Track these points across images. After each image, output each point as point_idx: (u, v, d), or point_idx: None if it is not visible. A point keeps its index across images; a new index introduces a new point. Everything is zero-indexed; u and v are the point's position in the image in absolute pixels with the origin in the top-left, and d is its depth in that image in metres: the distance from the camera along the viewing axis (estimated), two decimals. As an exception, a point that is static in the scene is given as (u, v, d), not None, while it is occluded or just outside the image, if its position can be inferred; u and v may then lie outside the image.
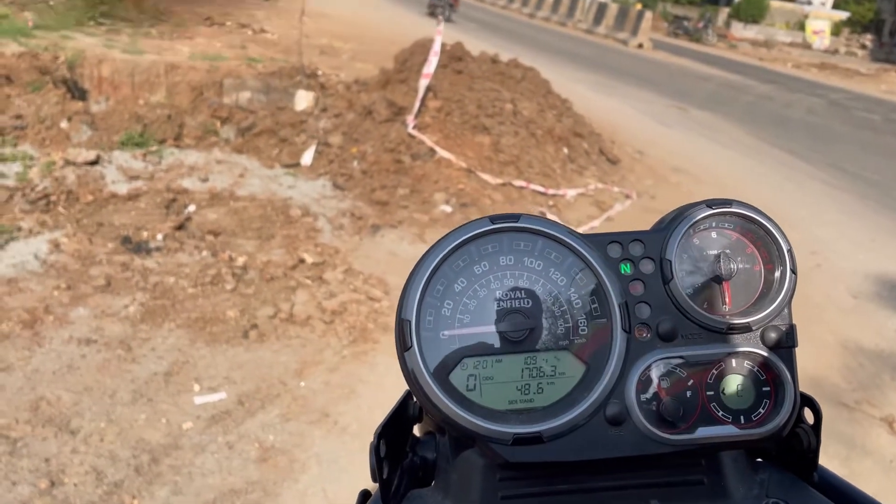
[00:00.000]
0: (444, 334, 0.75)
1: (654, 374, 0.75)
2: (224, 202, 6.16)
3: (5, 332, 3.96)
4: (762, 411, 0.75)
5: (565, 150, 7.89)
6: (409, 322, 0.73)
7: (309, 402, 3.82)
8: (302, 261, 5.29)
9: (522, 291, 0.76)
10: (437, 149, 7.17)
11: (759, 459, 0.85)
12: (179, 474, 3.22)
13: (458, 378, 0.74)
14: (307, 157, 7.16)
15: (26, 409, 3.44)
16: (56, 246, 4.95)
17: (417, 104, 7.48)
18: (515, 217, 0.76)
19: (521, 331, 0.74)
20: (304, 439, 3.55)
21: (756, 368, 0.76)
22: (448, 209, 6.49)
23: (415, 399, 0.93)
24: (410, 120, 7.39)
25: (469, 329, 0.75)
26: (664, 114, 12.66)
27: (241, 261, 5.15)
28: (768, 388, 0.76)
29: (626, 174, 8.45)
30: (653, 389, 0.75)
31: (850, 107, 16.26)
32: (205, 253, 5.19)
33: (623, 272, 0.77)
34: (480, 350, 0.75)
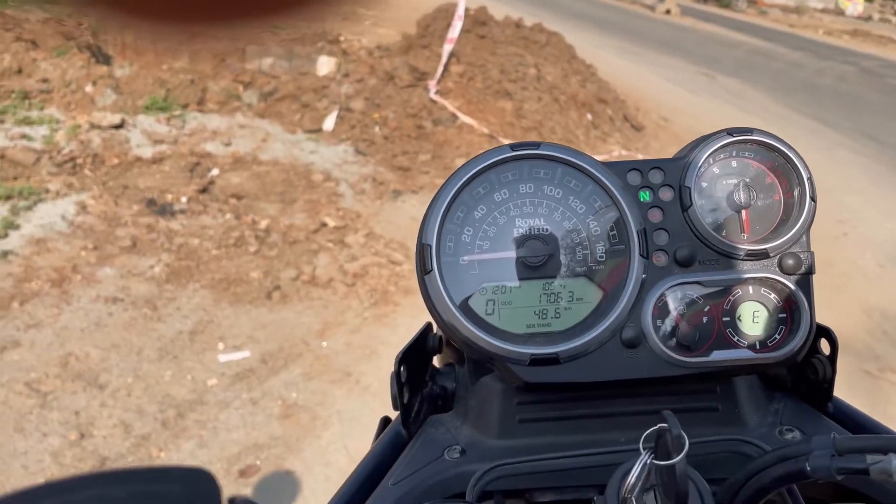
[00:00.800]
0: (463, 260, 0.76)
1: (671, 300, 0.76)
2: (247, 166, 6.19)
3: (35, 290, 4.05)
4: (777, 337, 0.76)
5: (589, 117, 7.82)
6: (430, 246, 0.75)
7: (331, 361, 3.87)
8: (324, 225, 5.33)
9: (542, 219, 0.77)
10: (459, 114, 7.14)
11: (775, 390, 0.86)
12: (205, 429, 3.29)
13: (477, 302, 0.76)
14: (329, 123, 7.16)
15: (56, 364, 3.52)
16: (83, 207, 5.02)
17: (440, 69, 7.44)
18: (536, 144, 0.77)
19: (539, 257, 0.75)
20: (326, 397, 3.61)
21: (773, 295, 0.76)
22: (470, 175, 6.46)
23: (434, 331, 0.95)
24: (433, 85, 7.35)
25: (488, 255, 0.76)
26: (691, 81, 12.46)
27: (263, 224, 5.19)
28: (784, 315, 0.76)
29: (651, 141, 8.36)
30: (669, 314, 0.76)
31: (882, 74, 15.88)
32: (228, 216, 5.24)
33: (642, 199, 0.77)
34: (499, 275, 0.76)
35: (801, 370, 0.83)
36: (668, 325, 0.75)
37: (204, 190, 5.56)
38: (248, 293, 4.34)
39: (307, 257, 4.85)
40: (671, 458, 0.56)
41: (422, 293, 0.76)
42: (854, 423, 0.81)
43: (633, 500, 0.59)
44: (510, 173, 0.77)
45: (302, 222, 5.32)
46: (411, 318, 4.25)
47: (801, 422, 0.80)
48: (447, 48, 7.51)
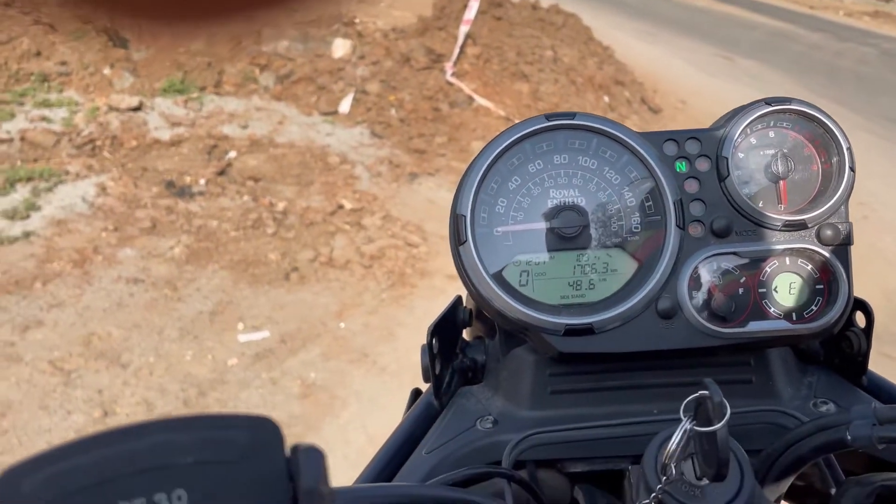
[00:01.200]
0: (497, 231, 0.76)
1: (707, 271, 0.75)
2: (264, 149, 6.21)
3: (57, 271, 4.09)
4: (814, 308, 0.76)
5: (606, 99, 7.76)
6: (465, 217, 0.75)
7: (349, 342, 3.90)
8: (341, 207, 5.34)
9: (576, 189, 0.77)
10: (476, 96, 7.11)
11: (809, 364, 0.86)
12: (225, 407, 3.32)
13: (510, 273, 0.76)
14: (345, 105, 7.16)
15: (79, 343, 3.57)
16: (102, 189, 5.05)
17: (456, 51, 7.40)
18: (571, 115, 0.76)
19: (573, 228, 0.75)
20: (345, 377, 3.63)
21: (810, 266, 0.76)
22: (486, 157, 6.44)
23: (464, 304, 0.95)
24: (449, 67, 7.32)
25: (522, 226, 0.76)
26: (709, 63, 12.32)
27: (281, 206, 5.21)
28: (822, 286, 0.76)
29: (669, 124, 8.29)
30: (705, 285, 0.75)
31: (904, 57, 15.63)
32: (246, 198, 5.26)
33: (678, 170, 0.77)
34: (533, 247, 0.76)
35: (835, 343, 0.83)
36: (703, 296, 0.75)
37: (222, 172, 5.58)
38: (267, 274, 4.37)
39: (324, 239, 4.86)
40: (712, 426, 0.56)
41: (455, 264, 0.76)
42: (889, 395, 0.81)
43: (673, 467, 0.59)
44: (545, 144, 0.77)
45: (319, 204, 5.33)
46: (428, 301, 4.26)
47: (836, 394, 0.79)
48: (463, 30, 7.47)
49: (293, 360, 3.69)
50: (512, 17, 8.14)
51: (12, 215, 4.53)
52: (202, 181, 5.38)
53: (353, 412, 3.41)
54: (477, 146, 6.56)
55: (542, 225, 0.76)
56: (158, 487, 0.31)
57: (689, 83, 10.38)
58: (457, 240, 0.75)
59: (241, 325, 3.88)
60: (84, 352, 3.52)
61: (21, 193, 4.83)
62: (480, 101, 7.09)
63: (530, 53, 7.50)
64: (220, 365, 3.58)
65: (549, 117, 0.76)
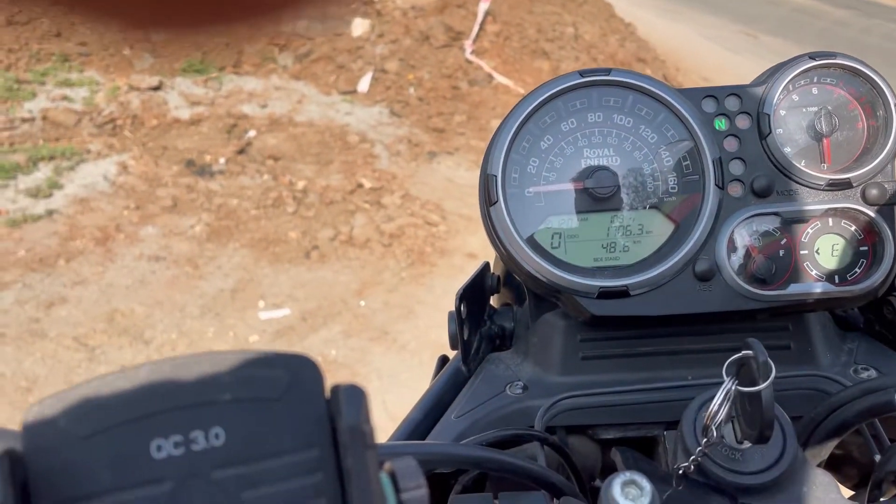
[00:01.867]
0: (529, 191, 0.74)
1: (747, 232, 0.73)
2: (283, 128, 6.20)
3: (80, 249, 4.12)
4: (858, 271, 0.73)
5: (627, 77, 7.67)
6: (496, 177, 0.73)
7: (369, 320, 3.90)
8: (360, 186, 5.33)
9: (611, 149, 0.74)
10: (495, 74, 7.05)
11: (848, 330, 0.83)
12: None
13: (542, 236, 0.74)
14: (364, 84, 7.13)
15: (102, 319, 3.60)
16: (124, 168, 5.08)
17: (476, 28, 7.33)
18: (606, 71, 0.74)
19: (607, 188, 0.73)
20: (365, 355, 3.64)
21: (854, 227, 0.73)
22: (506, 136, 6.40)
23: (492, 270, 0.93)
24: (468, 45, 7.26)
25: (555, 186, 0.74)
26: (732, 40, 12.12)
27: (301, 185, 5.21)
28: (866, 248, 0.73)
29: (690, 102, 8.17)
30: (744, 247, 0.73)
31: (932, 33, 15.29)
32: (266, 176, 5.27)
33: (717, 128, 0.74)
34: (566, 208, 0.74)
35: (876, 309, 0.81)
36: (742, 257, 0.73)
37: (241, 151, 5.59)
38: (287, 252, 4.38)
39: (344, 218, 4.86)
40: (756, 386, 0.55)
41: (485, 226, 0.75)
42: None
43: (714, 429, 0.58)
44: (578, 101, 0.75)
45: (338, 183, 5.32)
46: (448, 279, 4.25)
47: (877, 361, 0.77)
48: (483, 7, 7.39)
49: (314, 338, 3.71)
50: (532, -6, 8.04)
51: (35, 193, 4.56)
52: (222, 160, 5.39)
53: (374, 389, 3.42)
54: (496, 124, 6.51)
55: (576, 185, 0.74)
56: (196, 425, 0.30)
57: (712, 60, 10.23)
58: (487, 200, 0.73)
59: (261, 303, 3.89)
60: (107, 328, 3.55)
61: (44, 172, 4.86)
62: (500, 78, 7.03)
63: (551, 30, 7.41)
64: (242, 342, 3.60)
65: (583, 73, 0.74)
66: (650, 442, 0.76)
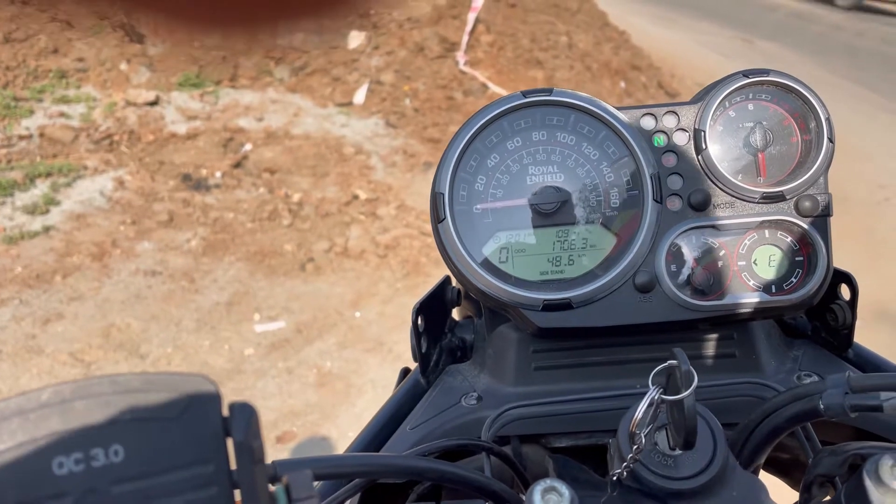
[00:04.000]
0: (477, 208, 0.77)
1: (686, 244, 0.75)
2: (279, 141, 6.24)
3: (76, 265, 4.15)
4: (794, 280, 0.75)
5: (622, 84, 7.70)
6: (443, 195, 0.76)
7: (364, 331, 3.92)
8: (356, 197, 5.36)
9: (555, 166, 0.77)
10: (490, 84, 7.09)
11: (795, 338, 0.86)
12: (242, 397, 3.34)
13: (490, 250, 0.76)
14: (360, 96, 7.17)
15: (98, 335, 3.62)
16: (120, 183, 5.11)
17: (466, 39, 7.38)
18: (548, 91, 0.77)
19: (552, 204, 0.76)
20: (360, 366, 3.66)
21: (789, 238, 0.76)
22: (501, 145, 6.43)
23: (453, 284, 0.96)
24: (461, 56, 7.30)
25: (502, 203, 0.77)
26: (727, 46, 12.16)
27: (296, 197, 5.24)
28: (801, 258, 0.76)
29: (685, 108, 8.19)
30: (684, 259, 0.75)
31: (928, 35, 15.31)
32: (262, 190, 5.30)
33: (656, 144, 0.77)
34: (513, 223, 0.77)
35: (821, 317, 0.83)
36: (682, 269, 0.75)
37: (237, 165, 5.62)
38: (283, 265, 4.40)
39: (340, 229, 4.89)
40: (680, 394, 0.57)
41: (436, 242, 0.77)
42: (875, 368, 0.80)
43: (643, 436, 0.60)
44: (523, 121, 0.77)
45: (334, 195, 5.35)
46: (443, 288, 4.27)
47: (821, 367, 0.79)
48: (472, 17, 7.45)
49: (309, 350, 3.73)
50: (526, 3, 8.09)
51: (32, 210, 4.60)
52: (218, 174, 5.43)
53: (369, 399, 3.44)
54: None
55: (522, 202, 0.76)
56: (96, 443, 0.32)
57: (707, 66, 10.26)
58: (436, 218, 0.76)
59: (257, 316, 3.92)
60: (103, 343, 3.57)
61: (41, 189, 4.90)
62: (495, 88, 7.07)
63: (545, 40, 7.45)
64: (237, 355, 3.62)
65: (525, 94, 0.77)
66: (601, 450, 0.78)
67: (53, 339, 3.59)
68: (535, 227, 0.76)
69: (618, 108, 0.77)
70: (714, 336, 0.79)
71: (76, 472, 0.32)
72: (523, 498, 0.69)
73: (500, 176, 0.77)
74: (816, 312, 0.83)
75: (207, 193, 5.15)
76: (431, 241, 4.90)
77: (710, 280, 0.74)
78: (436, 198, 0.76)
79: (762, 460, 0.68)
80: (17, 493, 0.31)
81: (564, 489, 0.50)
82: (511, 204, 0.76)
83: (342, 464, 0.52)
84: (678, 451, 0.62)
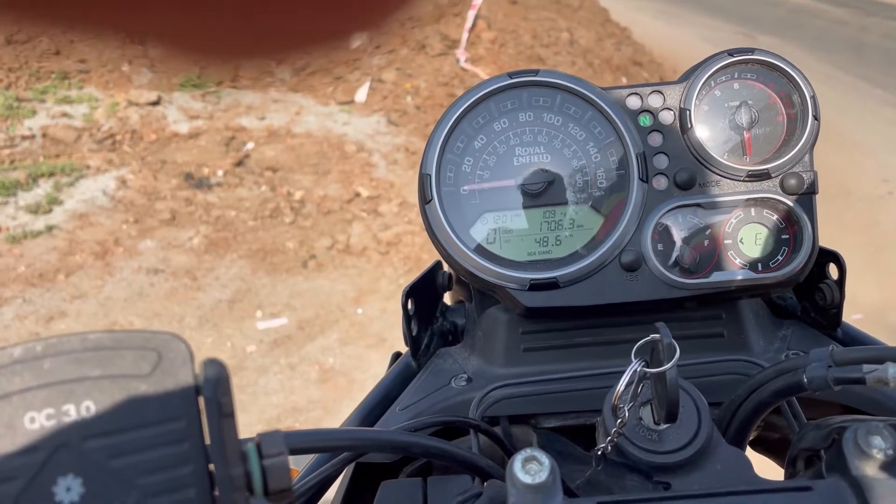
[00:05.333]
0: (464, 189, 0.77)
1: (672, 223, 0.76)
2: (281, 139, 6.25)
3: (79, 263, 4.17)
4: (780, 258, 0.76)
5: (624, 80, 7.69)
6: (430, 176, 0.76)
7: (366, 327, 3.93)
8: (357, 195, 5.37)
9: (542, 147, 0.77)
10: (492, 81, 7.09)
11: (785, 318, 0.86)
12: (244, 393, 3.37)
13: (478, 232, 0.77)
14: (361, 94, 7.18)
15: (101, 332, 3.64)
16: (123, 182, 5.13)
17: (465, 36, 7.38)
18: (534, 72, 0.77)
19: (539, 184, 0.76)
20: (363, 362, 3.66)
21: (775, 216, 0.76)
22: (503, 142, 6.43)
23: (444, 268, 0.96)
24: (461, 53, 7.31)
25: (489, 184, 0.77)
26: (729, 41, 12.14)
27: (298, 195, 5.25)
28: (787, 236, 0.76)
29: (688, 104, 8.18)
30: (670, 238, 0.76)
31: (933, 30, 15.25)
32: (264, 188, 5.31)
33: (642, 124, 0.77)
34: (500, 204, 0.77)
35: (809, 296, 0.83)
36: (668, 248, 0.75)
37: (239, 163, 5.64)
38: (285, 262, 4.41)
39: (341, 227, 4.90)
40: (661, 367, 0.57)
41: (423, 223, 0.77)
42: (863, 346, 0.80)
43: (626, 410, 0.60)
44: (509, 102, 0.78)
45: (336, 193, 5.36)
46: (445, 285, 4.27)
47: (809, 346, 0.79)
48: (471, 14, 7.45)
49: (311, 346, 3.73)
50: (527, 0, 8.09)
51: (35, 210, 4.62)
52: (220, 172, 5.44)
53: (371, 395, 3.44)
54: (493, 131, 6.55)
55: (509, 182, 0.77)
56: (68, 399, 0.33)
57: (710, 63, 10.20)
58: (423, 199, 0.76)
59: (259, 313, 3.93)
60: (106, 341, 3.59)
61: (43, 188, 4.92)
62: (496, 86, 7.06)
63: (546, 36, 7.45)
64: (240, 352, 3.63)
65: (511, 75, 0.77)
66: (590, 430, 0.78)
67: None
68: (522, 207, 0.76)
69: (603, 89, 0.77)
70: (702, 315, 0.79)
71: (48, 427, 0.33)
72: None
73: (486, 157, 0.77)
74: (805, 292, 0.83)
75: (209, 192, 5.16)
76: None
77: (697, 258, 0.74)
78: (423, 179, 0.76)
79: (749, 437, 0.68)
80: None
81: (544, 458, 0.50)
82: (498, 185, 0.77)
83: (322, 437, 0.53)
84: (663, 426, 0.62)
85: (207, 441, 0.35)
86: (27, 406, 0.33)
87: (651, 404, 0.62)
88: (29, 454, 0.32)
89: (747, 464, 0.62)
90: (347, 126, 6.67)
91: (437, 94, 6.93)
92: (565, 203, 0.76)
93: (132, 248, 4.38)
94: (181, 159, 5.62)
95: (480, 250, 0.76)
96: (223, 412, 0.34)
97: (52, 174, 5.12)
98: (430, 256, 4.71)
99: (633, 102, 0.77)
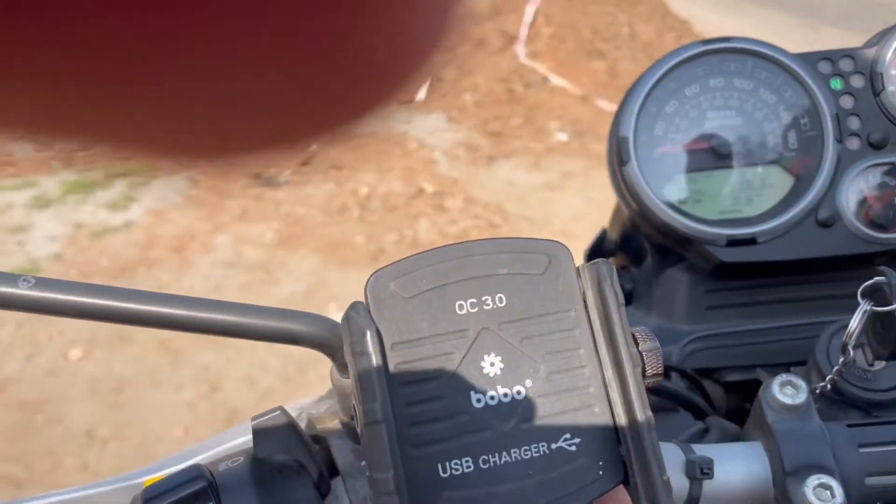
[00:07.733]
0: (657, 152, 0.80)
1: (864, 182, 0.77)
2: (344, 139, 6.34)
3: (158, 257, 4.30)
4: (980, 215, 0.76)
5: (683, 75, 7.62)
6: (627, 139, 0.78)
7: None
8: (421, 191, 5.41)
9: (733, 111, 0.79)
10: (551, 76, 7.08)
11: None
12: (323, 383, 3.43)
13: (671, 192, 0.79)
14: (421, 93, 7.24)
15: (184, 324, 3.74)
16: (194, 182, 5.27)
17: (525, 31, 7.39)
18: (727, 39, 0.79)
19: (730, 146, 0.78)
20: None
21: (975, 173, 0.76)
22: (563, 137, 6.42)
23: (608, 235, 0.98)
24: (521, 48, 7.31)
25: (680, 146, 0.79)
26: (791, 33, 11.92)
27: (364, 191, 5.32)
28: None
29: (748, 98, 8.06)
30: (863, 195, 0.77)
31: None
32: (330, 185, 5.40)
33: (833, 87, 0.79)
34: (692, 165, 0.79)
35: None
36: (861, 205, 0.77)
37: (305, 163, 5.74)
38: (354, 256, 4.48)
39: (408, 222, 4.95)
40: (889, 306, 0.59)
41: (615, 186, 0.80)
42: None
43: (850, 349, 0.62)
44: (700, 68, 0.80)
45: (400, 189, 5.42)
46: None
47: None
48: (530, 9, 7.46)
49: (385, 338, 3.79)
50: (584, -4, 8.06)
51: (113, 207, 4.78)
52: (287, 172, 5.54)
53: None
54: (554, 126, 6.54)
55: (701, 145, 0.79)
56: (485, 291, 0.41)
57: (769, 56, 10.04)
58: (619, 161, 0.79)
59: (333, 305, 3.99)
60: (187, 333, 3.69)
61: (119, 188, 5.08)
62: (556, 80, 7.06)
63: (605, 31, 7.42)
64: (316, 343, 3.70)
65: (704, 42, 0.79)
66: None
67: (141, 329, 3.71)
68: (713, 168, 0.78)
69: (795, 54, 0.79)
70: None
71: (473, 314, 0.40)
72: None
73: (679, 121, 0.79)
74: None
75: (278, 190, 5.27)
76: (499, 231, 4.93)
77: (890, 214, 0.76)
78: (619, 142, 0.79)
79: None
80: (430, 328, 0.40)
81: (800, 382, 0.53)
82: (690, 147, 0.79)
83: None
84: (876, 367, 0.64)
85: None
86: (457, 296, 0.41)
87: (863, 347, 0.64)
88: (462, 335, 0.40)
89: None
90: (408, 124, 6.73)
91: (496, 90, 6.95)
92: (756, 164, 0.78)
93: (207, 243, 4.50)
94: (248, 161, 5.74)
95: (675, 209, 0.78)
96: (613, 303, 0.41)
97: (126, 174, 5.28)
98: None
99: (825, 67, 0.79)
